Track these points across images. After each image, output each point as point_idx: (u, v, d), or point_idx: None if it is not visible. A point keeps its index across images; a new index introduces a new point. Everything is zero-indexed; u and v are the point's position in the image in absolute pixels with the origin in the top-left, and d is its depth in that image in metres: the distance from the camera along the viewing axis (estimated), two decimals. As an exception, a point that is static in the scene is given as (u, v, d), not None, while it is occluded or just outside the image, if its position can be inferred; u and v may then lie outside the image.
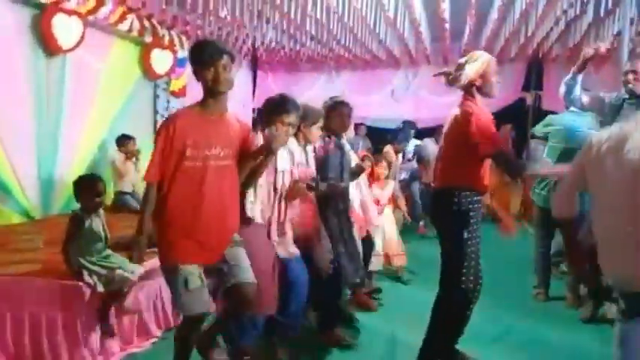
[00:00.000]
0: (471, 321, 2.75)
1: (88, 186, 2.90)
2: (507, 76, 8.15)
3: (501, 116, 7.99)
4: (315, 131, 3.06)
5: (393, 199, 4.71)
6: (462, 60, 2.75)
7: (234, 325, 2.62)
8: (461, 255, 2.58)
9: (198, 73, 2.29)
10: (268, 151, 2.38)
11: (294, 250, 2.84)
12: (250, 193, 2.58)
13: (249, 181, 2.49)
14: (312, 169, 3.10)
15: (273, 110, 2.70)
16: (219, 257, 2.32)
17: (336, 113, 3.31)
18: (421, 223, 6.80)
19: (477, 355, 2.87)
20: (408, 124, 6.92)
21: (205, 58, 2.25)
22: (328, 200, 3.19)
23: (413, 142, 7.11)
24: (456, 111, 2.73)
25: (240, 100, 9.14)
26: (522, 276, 4.60)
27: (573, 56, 7.24)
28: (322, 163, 3.20)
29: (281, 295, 2.73)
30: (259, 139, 2.57)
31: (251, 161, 2.42)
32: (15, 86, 4.75)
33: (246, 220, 2.54)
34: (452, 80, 2.75)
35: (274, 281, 2.68)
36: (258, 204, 2.63)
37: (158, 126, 6.79)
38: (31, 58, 4.92)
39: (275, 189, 2.74)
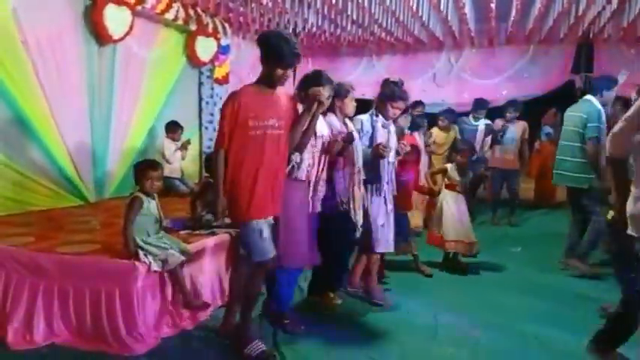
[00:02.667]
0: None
1: (148, 170, 3.06)
2: (556, 58, 7.89)
3: (550, 99, 7.78)
4: (349, 102, 3.44)
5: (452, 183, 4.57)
6: None
7: (273, 282, 3.09)
8: None
9: (269, 63, 2.66)
10: (315, 105, 2.79)
11: (317, 207, 3.18)
12: (296, 155, 2.95)
13: (301, 143, 2.89)
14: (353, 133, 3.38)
15: (308, 85, 3.03)
16: (274, 212, 2.80)
17: (390, 105, 3.59)
18: None
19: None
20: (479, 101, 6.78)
21: (286, 60, 2.64)
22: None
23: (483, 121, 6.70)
24: None
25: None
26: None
27: (627, 36, 6.94)
28: (369, 138, 3.55)
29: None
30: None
31: (301, 123, 2.82)
32: (70, 76, 4.95)
33: (290, 176, 2.97)
34: None
35: (312, 235, 3.13)
36: (304, 165, 3.02)
37: (211, 108, 7.07)
38: (84, 48, 5.11)
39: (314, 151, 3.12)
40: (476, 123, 6.57)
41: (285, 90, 2.86)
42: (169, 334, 3.03)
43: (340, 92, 3.39)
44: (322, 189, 3.20)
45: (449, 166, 4.60)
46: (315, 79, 3.10)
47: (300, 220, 3.04)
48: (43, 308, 2.93)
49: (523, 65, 7.99)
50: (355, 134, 3.34)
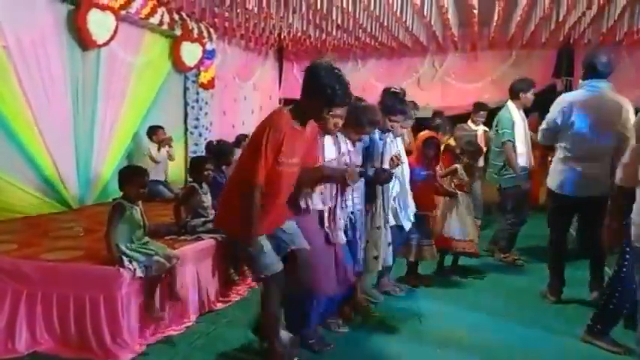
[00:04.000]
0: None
1: (134, 177, 3.04)
2: (537, 62, 8.03)
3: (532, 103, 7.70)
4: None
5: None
6: None
7: (297, 311, 2.88)
8: None
9: (316, 100, 2.48)
10: (343, 184, 2.79)
11: (341, 238, 2.98)
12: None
13: (309, 185, 2.78)
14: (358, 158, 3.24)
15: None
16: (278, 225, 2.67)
17: (388, 119, 3.43)
18: None
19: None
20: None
21: (338, 100, 2.48)
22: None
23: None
24: None
25: (267, 91, 9.24)
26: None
27: (606, 41, 7.08)
28: (367, 152, 3.38)
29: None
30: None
31: (315, 178, 2.76)
32: (53, 81, 4.91)
33: (302, 210, 2.80)
34: None
35: (331, 263, 2.86)
36: (317, 193, 2.85)
37: (196, 113, 6.99)
38: (67, 53, 5.08)
39: None
40: (475, 128, 6.37)
41: (313, 124, 2.66)
42: (154, 341, 3.01)
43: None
44: (341, 219, 2.99)
45: (458, 166, 4.54)
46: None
47: (315, 250, 2.76)
48: (25, 316, 2.90)
49: (505, 69, 8.11)
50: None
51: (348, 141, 3.11)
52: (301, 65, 9.01)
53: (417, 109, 5.35)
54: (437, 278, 4.44)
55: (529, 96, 4.89)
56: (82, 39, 5.13)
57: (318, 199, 2.87)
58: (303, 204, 2.82)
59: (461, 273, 4.55)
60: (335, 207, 2.94)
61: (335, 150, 2.99)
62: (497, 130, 4.92)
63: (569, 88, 7.79)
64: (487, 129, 6.44)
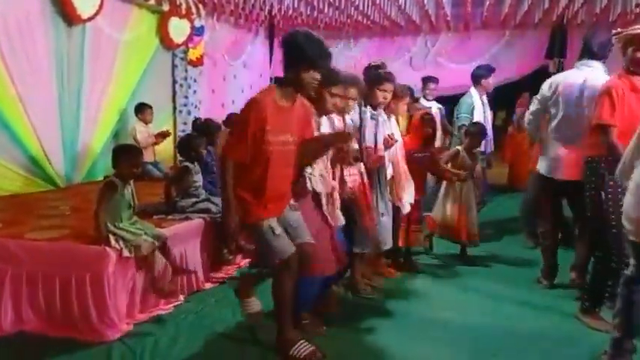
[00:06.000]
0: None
1: (127, 155, 3.00)
2: (530, 42, 7.98)
3: (523, 84, 7.83)
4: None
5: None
6: None
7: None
8: None
9: (295, 67, 2.42)
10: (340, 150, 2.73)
11: (339, 219, 2.94)
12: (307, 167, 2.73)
13: (310, 161, 2.69)
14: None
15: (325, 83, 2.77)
16: (285, 207, 2.60)
17: (377, 90, 3.35)
18: None
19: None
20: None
21: (318, 62, 2.41)
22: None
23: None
24: None
25: (257, 69, 9.12)
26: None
27: (599, 22, 7.03)
28: (358, 132, 3.27)
29: None
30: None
31: (314, 148, 2.65)
32: (37, 57, 4.81)
33: (304, 191, 2.73)
34: None
35: (329, 245, 2.82)
36: (317, 175, 2.78)
37: (185, 91, 6.87)
38: (51, 29, 4.96)
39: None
40: (428, 105, 6.15)
41: (302, 100, 2.63)
42: (142, 320, 3.01)
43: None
44: (338, 200, 2.94)
45: (460, 148, 4.41)
46: (330, 79, 2.77)
47: (312, 230, 2.72)
48: (11, 295, 2.87)
49: (498, 50, 8.06)
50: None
51: (339, 118, 3.07)
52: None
53: (412, 92, 5.30)
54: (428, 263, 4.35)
55: (490, 81, 5.18)
56: (66, 14, 5.00)
57: (318, 182, 2.81)
58: (303, 185, 2.75)
59: (462, 261, 4.42)
60: (333, 189, 2.91)
61: (329, 128, 2.96)
62: (457, 116, 5.08)
63: (561, 69, 7.76)
64: (441, 106, 6.38)
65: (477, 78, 5.08)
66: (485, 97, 5.10)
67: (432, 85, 6.29)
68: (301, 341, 2.57)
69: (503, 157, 8.97)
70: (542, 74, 7.19)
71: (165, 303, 3.21)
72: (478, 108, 4.93)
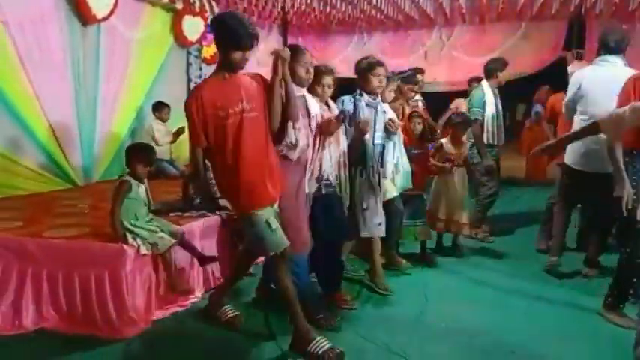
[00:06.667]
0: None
1: (140, 154, 3.04)
2: (547, 34, 7.84)
3: (541, 76, 7.71)
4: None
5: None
6: None
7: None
8: None
9: (225, 47, 2.48)
10: (279, 64, 2.54)
11: (312, 187, 3.01)
12: (291, 135, 2.75)
13: (291, 113, 2.65)
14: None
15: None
16: (278, 196, 2.64)
17: (372, 75, 3.38)
18: None
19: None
20: None
21: (243, 43, 2.45)
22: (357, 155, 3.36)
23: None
24: None
25: (270, 66, 9.09)
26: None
27: (618, 12, 6.89)
28: (350, 119, 3.30)
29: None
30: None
31: (274, 90, 2.57)
32: (53, 56, 4.85)
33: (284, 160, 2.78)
34: None
35: (306, 221, 2.92)
36: (299, 146, 2.83)
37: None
38: (67, 28, 4.99)
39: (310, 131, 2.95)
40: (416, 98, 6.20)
41: (246, 70, 2.64)
42: (160, 317, 3.02)
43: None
44: (316, 170, 3.03)
45: (443, 141, 4.40)
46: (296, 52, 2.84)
47: (297, 204, 2.86)
48: (32, 293, 2.91)
49: (515, 42, 7.94)
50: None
51: (317, 102, 3.10)
52: (306, 40, 8.85)
53: (422, 73, 5.32)
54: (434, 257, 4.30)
55: (503, 74, 5.09)
56: (81, 13, 5.04)
57: (297, 154, 2.84)
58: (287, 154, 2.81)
59: (460, 252, 4.45)
60: (313, 160, 3.00)
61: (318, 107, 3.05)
62: (469, 109, 4.99)
63: (579, 60, 7.62)
64: (422, 99, 6.25)
65: (489, 71, 5.03)
66: (496, 90, 5.02)
67: (419, 77, 6.17)
68: (319, 338, 2.57)
69: (520, 150, 8.87)
70: (561, 66, 7.08)
71: (183, 300, 3.23)
72: (490, 101, 4.86)
